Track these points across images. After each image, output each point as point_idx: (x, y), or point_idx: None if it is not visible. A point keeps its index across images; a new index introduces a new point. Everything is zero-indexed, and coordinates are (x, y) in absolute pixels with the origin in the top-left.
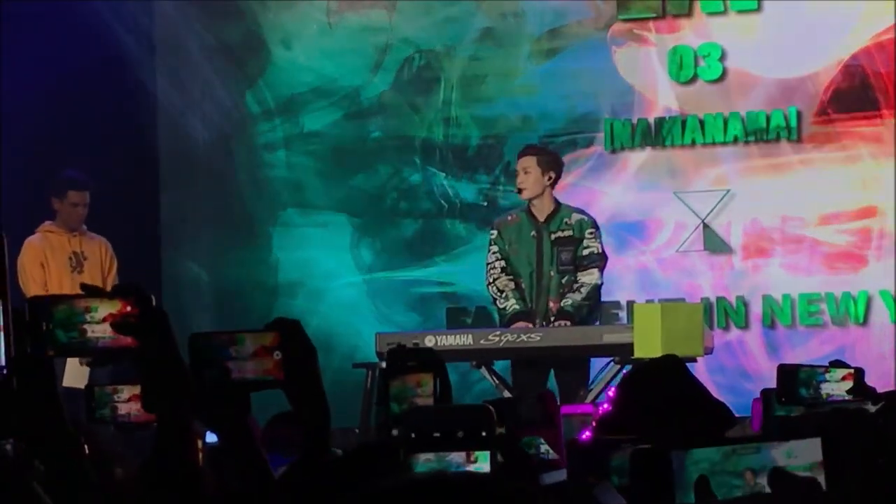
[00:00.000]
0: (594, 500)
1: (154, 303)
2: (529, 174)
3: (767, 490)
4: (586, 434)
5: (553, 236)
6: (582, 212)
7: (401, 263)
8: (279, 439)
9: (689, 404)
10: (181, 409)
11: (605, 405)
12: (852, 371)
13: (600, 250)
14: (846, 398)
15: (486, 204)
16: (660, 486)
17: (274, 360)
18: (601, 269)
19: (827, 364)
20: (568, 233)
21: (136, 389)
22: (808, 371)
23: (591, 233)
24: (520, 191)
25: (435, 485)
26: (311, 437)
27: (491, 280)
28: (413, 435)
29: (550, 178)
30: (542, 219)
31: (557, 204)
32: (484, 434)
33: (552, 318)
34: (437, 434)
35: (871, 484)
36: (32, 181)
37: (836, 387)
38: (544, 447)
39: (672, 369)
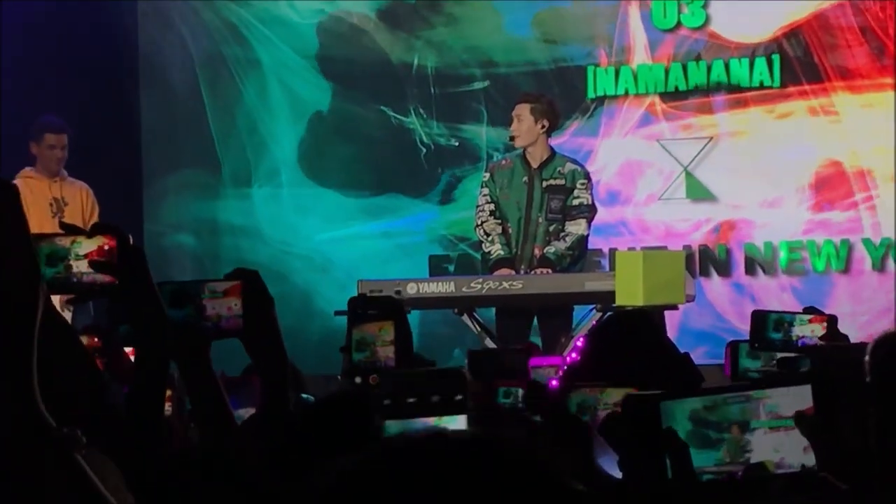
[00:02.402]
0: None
1: (131, 241)
2: (522, 122)
3: (752, 448)
4: (553, 383)
5: (545, 184)
6: (576, 162)
7: (382, 210)
8: (248, 387)
9: (655, 357)
10: (158, 345)
11: (574, 354)
12: (825, 317)
13: (590, 202)
14: (818, 343)
15: (456, 144)
16: (648, 433)
17: (234, 310)
18: (589, 221)
19: (801, 310)
20: (560, 181)
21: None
22: (778, 315)
23: (583, 184)
24: (512, 138)
25: (435, 445)
26: (270, 387)
27: (479, 222)
28: (387, 402)
29: (544, 126)
30: (535, 165)
31: (552, 152)
32: (459, 398)
33: (535, 265)
34: (411, 399)
35: (862, 427)
36: (12, 129)
37: (807, 329)
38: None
39: (640, 322)
